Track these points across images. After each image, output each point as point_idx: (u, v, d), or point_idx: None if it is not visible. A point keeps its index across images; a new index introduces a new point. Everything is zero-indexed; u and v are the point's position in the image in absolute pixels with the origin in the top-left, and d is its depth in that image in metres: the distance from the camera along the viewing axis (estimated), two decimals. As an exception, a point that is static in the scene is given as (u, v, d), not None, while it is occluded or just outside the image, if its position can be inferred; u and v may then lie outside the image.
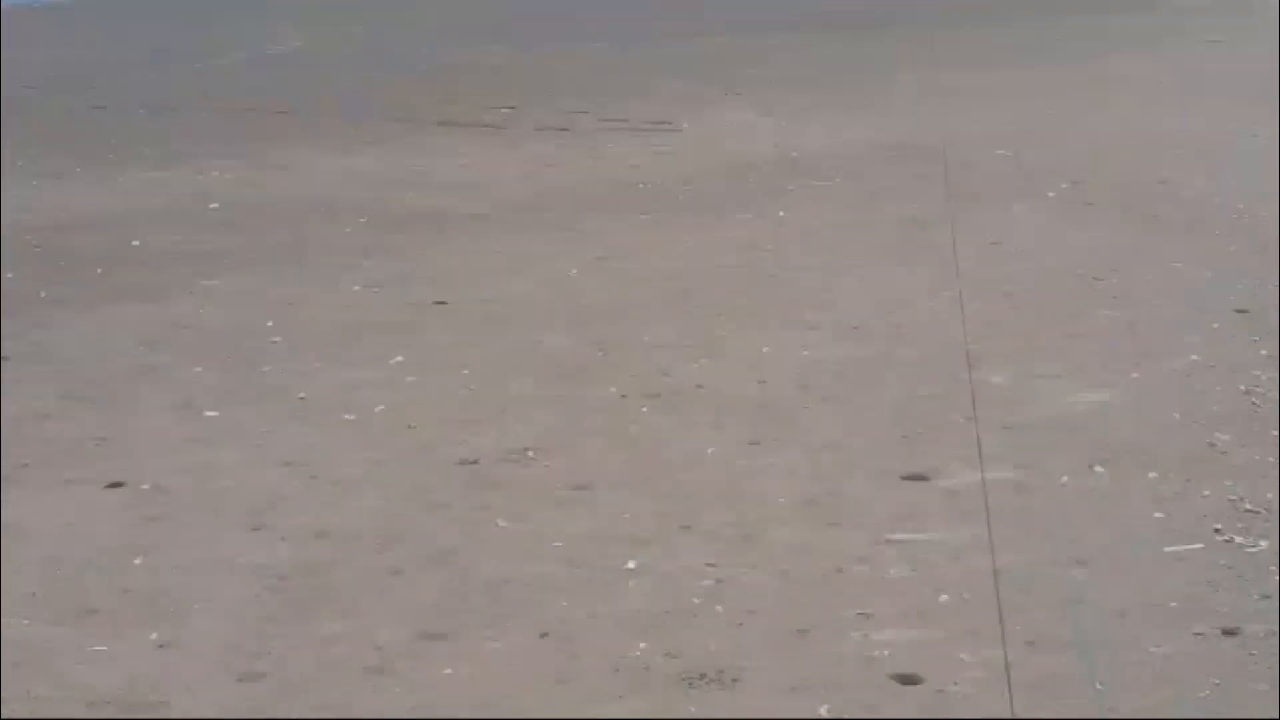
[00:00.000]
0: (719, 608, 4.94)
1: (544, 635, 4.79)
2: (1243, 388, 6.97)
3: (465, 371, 7.69)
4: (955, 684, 4.35)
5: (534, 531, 5.65)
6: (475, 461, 6.40)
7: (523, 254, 10.25)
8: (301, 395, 7.30)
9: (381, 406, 7.12)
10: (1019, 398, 7.00)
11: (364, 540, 5.59)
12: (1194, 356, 7.51)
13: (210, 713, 4.41)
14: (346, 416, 6.99)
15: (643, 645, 4.68)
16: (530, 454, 6.49)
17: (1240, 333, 7.93)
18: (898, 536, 5.46)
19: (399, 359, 7.88)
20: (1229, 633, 4.59)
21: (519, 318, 8.78)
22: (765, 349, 8.02)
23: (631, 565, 5.31)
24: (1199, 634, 4.58)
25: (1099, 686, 4.27)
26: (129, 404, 7.22)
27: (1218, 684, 4.26)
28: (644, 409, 7.12)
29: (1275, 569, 5.00)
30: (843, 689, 4.35)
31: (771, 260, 10.03)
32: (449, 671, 4.56)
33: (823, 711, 4.22)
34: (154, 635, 4.89)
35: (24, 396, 7.27)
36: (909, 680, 4.40)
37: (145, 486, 6.14)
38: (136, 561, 5.44)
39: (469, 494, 6.03)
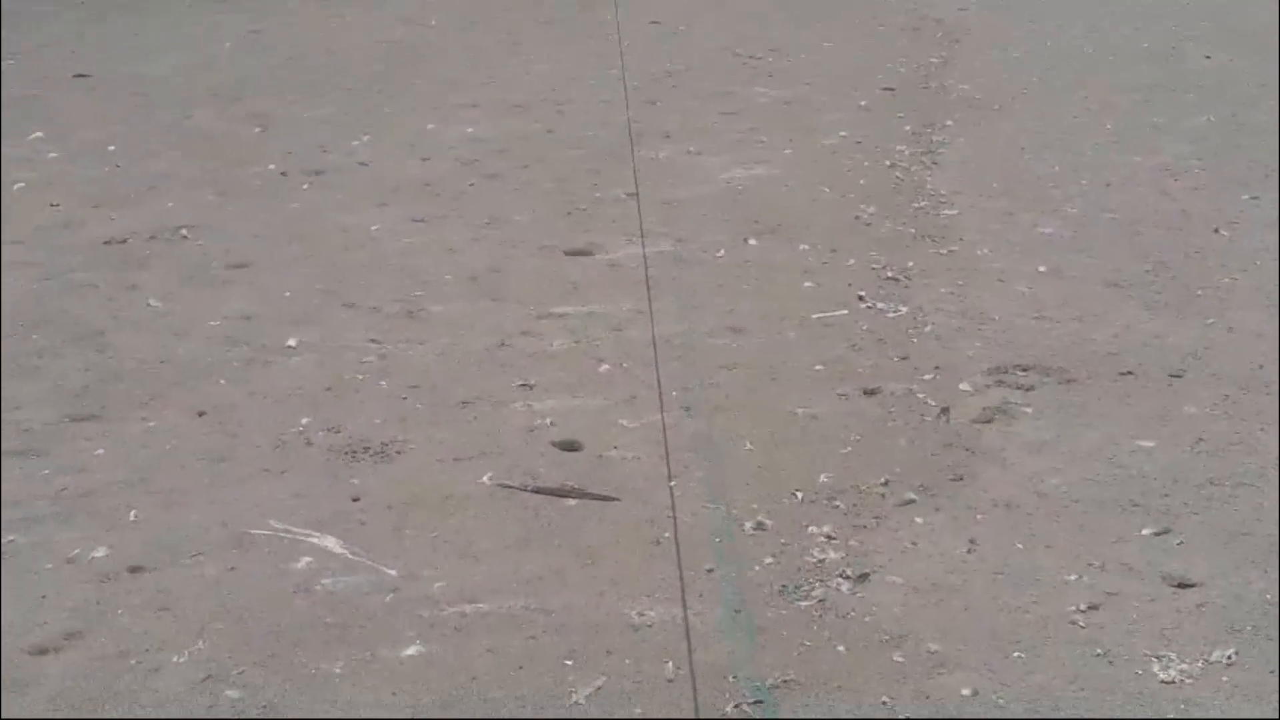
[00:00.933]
0: (383, 383, 4.92)
1: (201, 414, 4.69)
2: (888, 163, 7.26)
3: (111, 148, 7.33)
4: (615, 448, 4.46)
5: (188, 311, 5.48)
6: (124, 241, 6.14)
7: (171, 27, 9.76)
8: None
9: (20, 184, 6.73)
10: (678, 174, 7.12)
11: (6, 323, 5.32)
12: (843, 133, 7.76)
13: None
14: (-18, 194, 6.59)
15: (305, 421, 4.64)
16: (184, 233, 6.26)
17: (886, 111, 8.23)
18: (560, 310, 5.52)
19: (38, 134, 7.45)
20: (869, 393, 4.83)
21: (169, 93, 8.39)
22: (429, 126, 7.90)
23: (292, 343, 5.22)
24: (842, 394, 4.81)
25: (749, 447, 4.45)
26: None
27: (859, 439, 4.49)
28: (304, 186, 6.95)
29: (913, 332, 5.28)
30: (505, 457, 4.41)
31: (434, 37, 9.83)
32: (101, 452, 4.43)
33: (485, 479, 4.27)
34: None
35: None
36: (570, 447, 4.49)
37: None
38: None
39: (117, 274, 5.80)
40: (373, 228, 6.39)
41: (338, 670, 3.39)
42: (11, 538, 3.95)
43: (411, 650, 3.47)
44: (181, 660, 3.42)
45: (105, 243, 6.11)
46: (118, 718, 3.24)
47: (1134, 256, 5.96)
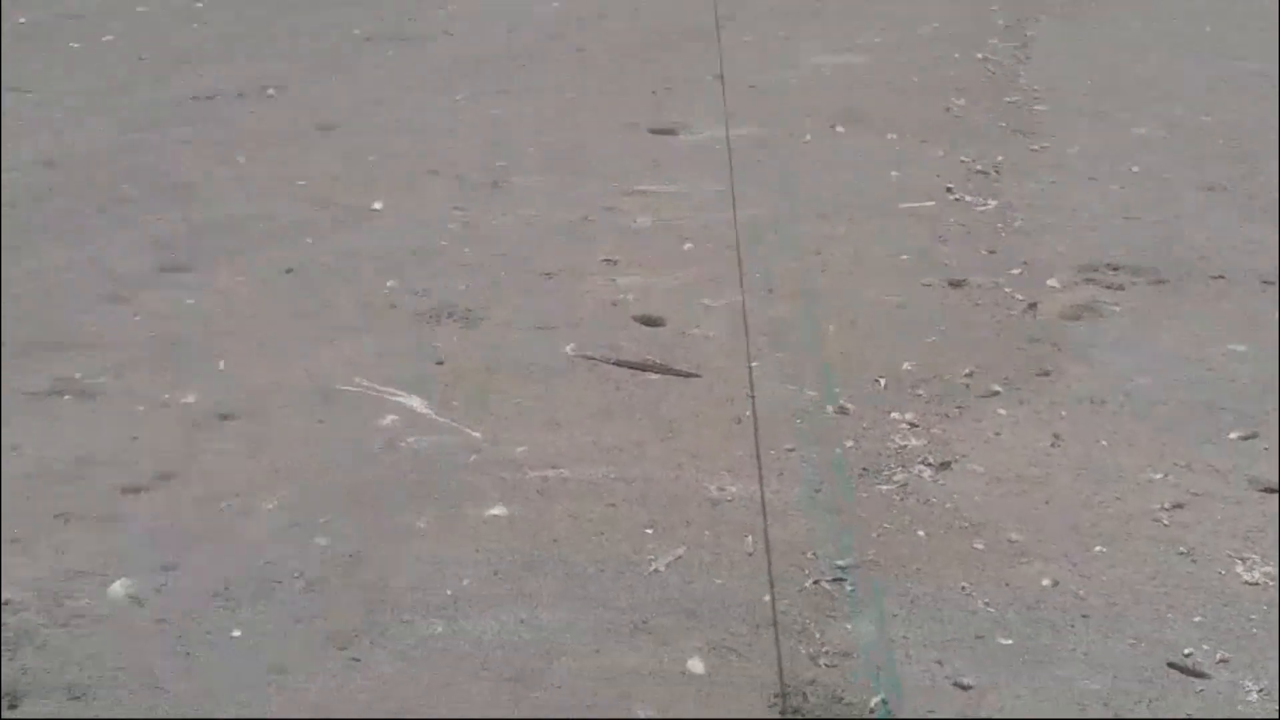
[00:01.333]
0: (467, 250, 4.93)
1: (289, 271, 4.72)
2: (980, 55, 7.13)
3: (199, 5, 7.32)
4: (696, 327, 4.45)
5: (275, 169, 5.50)
6: (211, 98, 6.14)
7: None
8: (21, 20, 6.85)
9: (110, 36, 6.74)
10: (766, 58, 7.03)
11: (95, 171, 5.36)
12: (935, 24, 7.63)
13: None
14: (73, 45, 6.60)
15: (390, 283, 4.66)
16: (270, 92, 6.25)
17: (980, 2, 8.06)
18: (644, 187, 5.49)
19: (127, -12, 7.46)
20: (956, 284, 4.78)
21: (256, -47, 8.35)
22: (515, -3, 7.84)
23: (378, 206, 5.23)
24: (927, 284, 4.77)
25: (832, 329, 4.43)
26: None
27: (944, 330, 4.46)
28: (389, 53, 6.92)
29: (1001, 226, 5.22)
30: (588, 329, 4.41)
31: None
32: (191, 303, 4.47)
33: (568, 350, 4.29)
34: None
35: None
36: (652, 322, 4.49)
37: None
38: None
39: (205, 129, 5.81)
40: (457, 97, 6.36)
41: (422, 525, 3.43)
42: (103, 379, 4.01)
43: (495, 510, 3.51)
44: (270, 506, 3.48)
45: (193, 98, 6.13)
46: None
47: (1230, 161, 5.85)
